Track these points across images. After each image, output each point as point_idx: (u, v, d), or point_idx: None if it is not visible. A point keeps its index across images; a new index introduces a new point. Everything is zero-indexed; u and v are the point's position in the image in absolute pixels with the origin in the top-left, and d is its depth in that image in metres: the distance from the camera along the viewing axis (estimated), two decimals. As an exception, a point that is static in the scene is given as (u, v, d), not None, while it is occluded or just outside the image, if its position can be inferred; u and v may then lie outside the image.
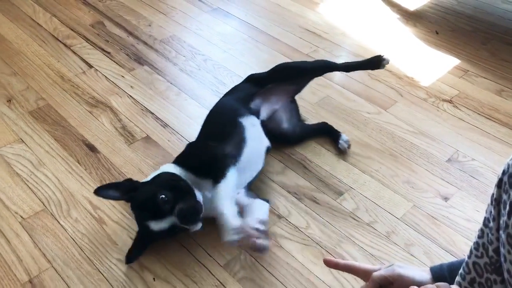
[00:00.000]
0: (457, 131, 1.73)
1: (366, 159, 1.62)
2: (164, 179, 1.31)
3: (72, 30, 2.25)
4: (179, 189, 1.26)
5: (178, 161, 1.41)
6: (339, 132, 1.66)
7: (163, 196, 1.22)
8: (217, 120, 1.52)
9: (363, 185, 1.53)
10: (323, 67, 1.70)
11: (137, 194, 1.29)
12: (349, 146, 1.62)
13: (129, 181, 1.34)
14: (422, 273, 0.92)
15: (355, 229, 1.40)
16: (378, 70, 1.95)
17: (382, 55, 1.64)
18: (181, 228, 1.24)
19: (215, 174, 1.31)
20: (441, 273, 0.90)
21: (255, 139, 1.47)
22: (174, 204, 1.22)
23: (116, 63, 2.04)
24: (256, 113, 1.55)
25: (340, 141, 1.63)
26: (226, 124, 1.47)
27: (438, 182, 1.55)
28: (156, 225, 1.23)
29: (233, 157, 1.38)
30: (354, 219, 1.43)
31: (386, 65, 1.65)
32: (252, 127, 1.48)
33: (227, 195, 1.28)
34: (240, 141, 1.42)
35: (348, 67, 1.70)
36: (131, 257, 1.30)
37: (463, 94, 1.90)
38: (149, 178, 1.34)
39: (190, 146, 1.50)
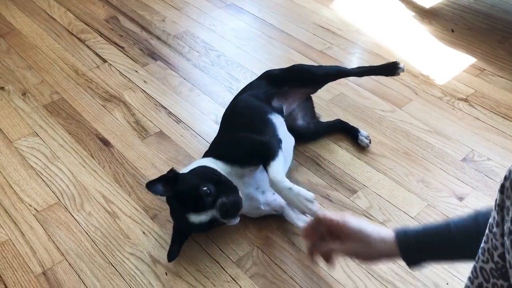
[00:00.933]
0: (472, 130, 1.71)
1: (380, 158, 1.60)
2: (204, 172, 1.28)
3: (86, 24, 2.25)
4: (220, 182, 1.24)
5: (214, 155, 1.36)
6: (357, 128, 1.64)
7: (206, 188, 1.20)
8: (246, 116, 1.47)
9: (377, 183, 1.52)
10: (337, 73, 1.68)
11: (178, 186, 1.24)
12: (370, 142, 1.61)
13: (172, 171, 1.27)
14: (380, 229, 0.93)
15: (368, 228, 1.39)
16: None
17: (398, 61, 1.61)
18: (220, 222, 1.22)
19: (267, 156, 1.28)
20: (406, 239, 0.89)
21: (285, 136, 1.46)
22: (216, 197, 1.20)
23: (130, 58, 2.05)
24: (280, 112, 1.54)
25: (360, 137, 1.62)
26: (257, 120, 1.44)
27: (453, 181, 1.53)
28: (196, 218, 1.20)
29: (280, 141, 1.37)
30: (368, 217, 1.42)
31: (401, 73, 1.62)
32: (281, 125, 1.47)
33: (283, 172, 1.28)
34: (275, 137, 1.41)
35: (362, 73, 1.68)
36: (172, 254, 1.28)
37: (479, 93, 1.87)
38: (185, 170, 1.31)
39: (227, 139, 1.44)
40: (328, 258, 1.01)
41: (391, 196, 1.48)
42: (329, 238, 0.98)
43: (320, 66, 1.76)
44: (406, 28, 2.26)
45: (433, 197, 1.48)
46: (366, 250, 0.93)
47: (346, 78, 1.93)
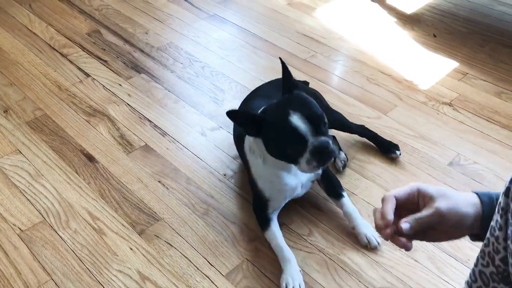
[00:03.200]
0: (458, 134, 1.72)
1: (368, 164, 1.60)
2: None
3: (68, 39, 2.23)
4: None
5: None
6: (340, 149, 1.61)
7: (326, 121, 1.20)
8: None
9: (365, 190, 1.52)
10: (340, 125, 1.62)
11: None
12: (345, 165, 1.58)
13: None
14: (466, 195, 0.76)
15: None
16: (375, 73, 1.96)
17: (398, 149, 1.61)
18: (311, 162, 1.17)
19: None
20: (492, 205, 0.75)
21: None
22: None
23: (113, 72, 2.03)
24: None
25: (337, 160, 1.58)
26: None
27: (440, 186, 1.53)
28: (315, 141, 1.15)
29: None
30: (357, 225, 1.41)
31: (394, 157, 1.61)
32: None
33: None
34: None
35: (362, 134, 1.65)
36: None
37: (462, 97, 1.89)
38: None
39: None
40: (407, 246, 0.79)
41: (379, 203, 1.47)
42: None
43: (328, 110, 1.60)
44: (389, 34, 2.28)
45: (421, 203, 1.48)
46: (458, 232, 0.77)
47: (329, 85, 1.95)
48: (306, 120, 1.14)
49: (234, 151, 1.63)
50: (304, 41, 2.23)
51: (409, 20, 2.36)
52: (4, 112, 1.82)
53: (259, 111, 1.28)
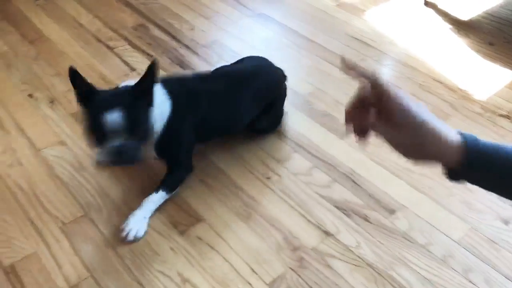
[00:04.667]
0: (516, 149, 1.62)
1: (419, 176, 1.53)
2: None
3: (114, 32, 2.23)
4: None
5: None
6: None
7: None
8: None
9: (416, 203, 1.44)
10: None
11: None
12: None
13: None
14: (446, 128, 0.71)
15: (409, 251, 1.32)
16: (427, 81, 1.87)
17: None
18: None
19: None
20: (476, 149, 0.71)
21: None
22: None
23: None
24: None
25: None
26: None
27: (497, 203, 1.45)
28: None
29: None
30: (408, 240, 1.34)
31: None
32: None
33: None
34: None
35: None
36: None
37: (522, 109, 1.79)
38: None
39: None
40: (363, 132, 0.76)
41: (432, 218, 1.40)
42: (375, 113, 0.73)
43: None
44: (442, 40, 2.18)
45: (476, 220, 1.40)
46: (418, 147, 0.72)
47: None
48: (118, 121, 1.22)
49: (279, 153, 1.59)
50: (353, 44, 2.16)
51: (464, 27, 2.26)
52: (50, 102, 1.82)
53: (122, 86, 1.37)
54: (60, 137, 1.67)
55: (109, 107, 1.22)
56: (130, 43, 2.16)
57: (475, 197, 1.46)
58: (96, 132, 1.25)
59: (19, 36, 2.19)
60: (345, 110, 0.75)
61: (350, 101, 0.74)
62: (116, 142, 1.23)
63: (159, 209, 1.42)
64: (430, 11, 2.40)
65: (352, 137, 0.76)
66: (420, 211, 1.42)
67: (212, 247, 1.32)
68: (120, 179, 1.52)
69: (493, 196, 1.44)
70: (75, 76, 1.26)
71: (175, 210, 1.42)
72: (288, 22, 2.30)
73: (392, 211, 1.42)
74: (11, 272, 1.26)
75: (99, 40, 2.17)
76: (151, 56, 2.07)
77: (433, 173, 1.53)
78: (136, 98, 1.27)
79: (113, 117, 1.21)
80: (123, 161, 1.28)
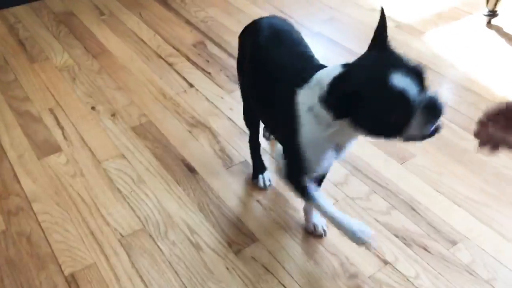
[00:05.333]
0: None
1: (483, 207, 1.47)
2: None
3: (174, 48, 2.28)
4: None
5: None
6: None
7: None
8: None
9: (479, 235, 1.39)
10: None
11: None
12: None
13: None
14: None
15: (471, 286, 1.26)
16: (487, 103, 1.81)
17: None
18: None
19: None
20: None
21: None
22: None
23: (216, 84, 2.04)
24: None
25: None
26: None
27: None
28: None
29: None
30: (470, 273, 1.29)
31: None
32: None
33: None
34: None
35: None
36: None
37: None
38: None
39: None
40: (495, 146, 0.86)
41: (496, 252, 1.34)
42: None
43: None
44: (506, 65, 2.10)
45: None
46: None
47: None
48: (408, 77, 0.92)
49: (336, 176, 1.57)
50: (412, 66, 2.11)
51: (530, 51, 2.18)
52: (111, 115, 1.88)
53: (333, 78, 1.00)
54: (120, 150, 1.72)
55: (385, 76, 0.92)
56: (189, 59, 2.20)
57: (544, 232, 1.39)
58: (396, 112, 0.94)
59: (84, 50, 2.29)
60: (478, 122, 0.83)
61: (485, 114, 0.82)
62: (422, 98, 0.93)
63: (214, 226, 1.43)
64: (493, 33, 2.32)
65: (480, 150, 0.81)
66: (483, 243, 1.36)
67: (267, 269, 1.32)
68: (177, 193, 1.54)
69: None
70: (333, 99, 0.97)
71: (230, 229, 1.43)
72: (346, 43, 2.29)
73: (453, 242, 1.37)
74: (72, 281, 1.30)
75: (159, 56, 2.23)
76: (209, 73, 2.10)
77: (496, 203, 1.47)
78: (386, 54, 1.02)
79: (399, 80, 0.91)
80: (438, 114, 0.95)
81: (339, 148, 1.16)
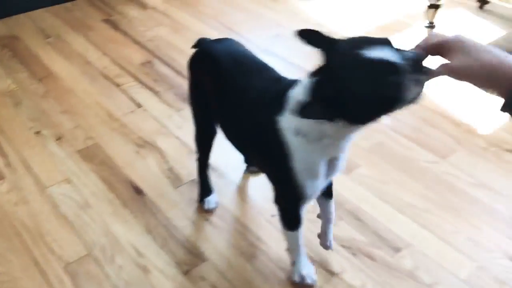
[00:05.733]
0: (523, 184, 1.61)
1: (425, 213, 1.52)
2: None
3: (122, 68, 2.27)
4: None
5: None
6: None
7: None
8: None
9: (422, 241, 1.43)
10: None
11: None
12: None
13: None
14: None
15: (415, 291, 1.30)
16: (431, 115, 1.87)
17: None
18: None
19: None
20: None
21: None
22: None
23: (164, 103, 2.03)
24: None
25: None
26: None
27: (505, 241, 1.43)
28: None
29: None
30: (414, 279, 1.33)
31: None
32: None
33: None
34: None
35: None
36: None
37: (527, 144, 1.78)
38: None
39: None
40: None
41: (438, 256, 1.39)
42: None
43: None
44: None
45: (483, 258, 1.38)
46: (486, 69, 0.78)
47: (382, 124, 1.88)
48: (382, 48, 0.88)
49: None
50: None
51: (467, 60, 2.27)
52: (57, 139, 1.84)
53: (308, 80, 0.96)
54: (66, 174, 1.68)
55: (363, 55, 0.87)
56: (137, 79, 2.19)
57: (482, 234, 1.45)
58: (386, 77, 0.87)
59: (28, 73, 2.24)
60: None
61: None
62: (403, 59, 0.88)
63: (163, 248, 1.42)
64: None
65: None
66: (425, 249, 1.40)
67: (216, 288, 1.31)
68: (124, 216, 1.52)
69: (500, 233, 1.43)
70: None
71: (179, 250, 1.42)
72: (291, 58, 2.33)
73: (397, 249, 1.40)
74: (14, 313, 1.26)
75: (106, 77, 2.21)
76: (157, 92, 2.10)
77: (438, 209, 1.52)
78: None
79: (377, 52, 0.86)
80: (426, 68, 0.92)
81: (333, 163, 1.11)
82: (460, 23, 2.57)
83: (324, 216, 1.33)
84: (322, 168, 1.08)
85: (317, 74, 0.96)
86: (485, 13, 2.63)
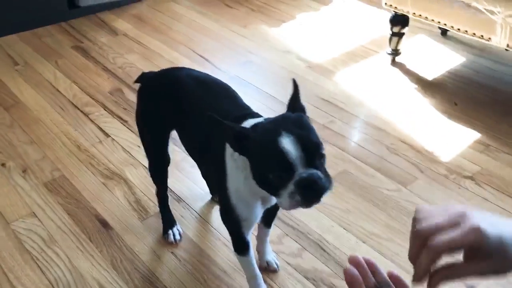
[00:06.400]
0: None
1: (386, 241, 1.55)
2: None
3: (91, 97, 2.27)
4: None
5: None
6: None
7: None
8: None
9: (384, 270, 1.46)
10: None
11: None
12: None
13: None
14: None
15: (376, 322, 1.32)
16: (395, 143, 1.93)
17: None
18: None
19: None
20: None
21: None
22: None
23: (133, 132, 2.04)
24: None
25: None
26: None
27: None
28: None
29: None
30: (375, 310, 1.35)
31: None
32: None
33: None
34: None
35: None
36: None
37: (485, 170, 1.84)
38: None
39: None
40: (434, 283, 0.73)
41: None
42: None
43: None
44: (409, 101, 2.26)
45: (444, 286, 1.42)
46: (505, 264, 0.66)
47: (348, 153, 1.92)
48: (298, 145, 0.94)
49: (249, 222, 1.60)
50: (323, 106, 2.23)
51: (430, 87, 2.35)
52: (22, 171, 1.83)
53: (249, 126, 1.06)
54: (31, 208, 1.68)
55: (277, 133, 0.95)
56: (106, 108, 2.20)
57: (443, 261, 1.48)
58: (275, 169, 0.96)
59: (-4, 102, 2.23)
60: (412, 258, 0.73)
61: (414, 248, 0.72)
62: (303, 170, 0.95)
63: (128, 283, 1.42)
64: (397, 70, 2.49)
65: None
66: (387, 279, 1.44)
67: (180, 323, 1.32)
68: (89, 251, 1.52)
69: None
70: (222, 124, 1.02)
71: (144, 285, 1.42)
72: (260, 85, 2.38)
73: (360, 280, 1.43)
74: None
75: (75, 106, 2.21)
76: (126, 121, 2.11)
77: (399, 237, 1.56)
78: (292, 117, 1.03)
79: (287, 141, 0.94)
80: (318, 192, 0.96)
81: (264, 200, 1.17)
82: (423, 50, 2.65)
83: (259, 238, 1.42)
84: (253, 198, 1.15)
85: (260, 121, 1.09)
86: (447, 39, 2.73)
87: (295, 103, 1.09)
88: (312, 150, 0.97)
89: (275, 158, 0.96)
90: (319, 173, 0.96)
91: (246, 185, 1.10)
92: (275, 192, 0.99)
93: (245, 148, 1.02)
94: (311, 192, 0.96)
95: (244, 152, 1.03)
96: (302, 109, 1.09)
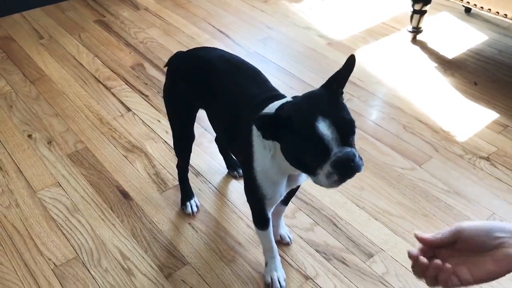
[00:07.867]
0: (494, 192, 1.68)
1: (398, 219, 1.59)
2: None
3: (113, 71, 2.32)
4: None
5: None
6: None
7: None
8: None
9: (394, 247, 1.50)
10: None
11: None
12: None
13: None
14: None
15: (384, 295, 1.37)
16: (411, 121, 1.93)
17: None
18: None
19: None
20: None
21: None
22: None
23: (153, 107, 2.09)
24: None
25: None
26: None
27: (473, 247, 1.50)
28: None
29: None
30: (384, 284, 1.40)
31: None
32: None
33: None
34: None
35: None
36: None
37: (501, 151, 1.84)
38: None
39: None
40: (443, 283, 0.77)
41: (408, 262, 1.44)
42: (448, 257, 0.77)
43: None
44: (429, 80, 2.25)
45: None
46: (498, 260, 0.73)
47: (366, 132, 1.94)
48: (334, 127, 0.97)
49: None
50: (341, 83, 2.23)
51: (451, 66, 2.33)
52: (48, 143, 1.91)
53: (275, 109, 1.07)
54: (56, 178, 1.75)
55: (313, 118, 0.97)
56: (127, 82, 2.25)
57: (452, 240, 1.51)
58: (312, 152, 0.99)
59: (22, 75, 2.30)
60: (412, 257, 0.80)
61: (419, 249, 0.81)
62: (339, 150, 0.98)
63: (147, 251, 1.49)
64: (417, 49, 2.47)
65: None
66: (396, 255, 1.47)
67: (196, 291, 1.39)
68: (110, 220, 1.59)
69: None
70: (264, 120, 1.01)
71: (162, 253, 1.49)
72: (279, 62, 2.39)
73: (370, 255, 1.48)
74: (4, 314, 1.33)
75: (97, 80, 2.27)
76: (147, 96, 2.16)
77: (411, 215, 1.59)
78: (324, 96, 1.03)
79: (323, 126, 0.96)
80: (353, 170, 1.00)
81: (291, 180, 1.21)
82: (445, 28, 2.62)
83: (275, 213, 1.42)
84: (280, 177, 1.17)
85: (289, 101, 1.07)
86: (471, 17, 2.68)
87: (341, 82, 1.06)
88: (347, 129, 0.99)
89: (311, 142, 0.98)
90: (354, 150, 1.00)
91: (274, 164, 1.13)
92: (312, 172, 1.02)
93: (277, 134, 1.02)
94: (347, 170, 0.99)
95: (277, 138, 1.04)
96: (341, 92, 1.07)
